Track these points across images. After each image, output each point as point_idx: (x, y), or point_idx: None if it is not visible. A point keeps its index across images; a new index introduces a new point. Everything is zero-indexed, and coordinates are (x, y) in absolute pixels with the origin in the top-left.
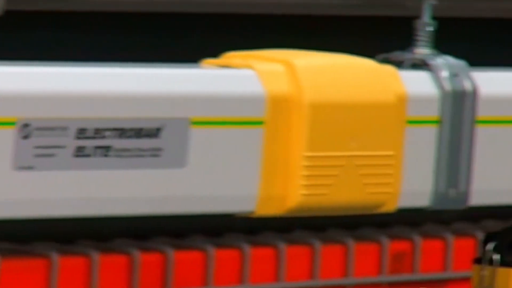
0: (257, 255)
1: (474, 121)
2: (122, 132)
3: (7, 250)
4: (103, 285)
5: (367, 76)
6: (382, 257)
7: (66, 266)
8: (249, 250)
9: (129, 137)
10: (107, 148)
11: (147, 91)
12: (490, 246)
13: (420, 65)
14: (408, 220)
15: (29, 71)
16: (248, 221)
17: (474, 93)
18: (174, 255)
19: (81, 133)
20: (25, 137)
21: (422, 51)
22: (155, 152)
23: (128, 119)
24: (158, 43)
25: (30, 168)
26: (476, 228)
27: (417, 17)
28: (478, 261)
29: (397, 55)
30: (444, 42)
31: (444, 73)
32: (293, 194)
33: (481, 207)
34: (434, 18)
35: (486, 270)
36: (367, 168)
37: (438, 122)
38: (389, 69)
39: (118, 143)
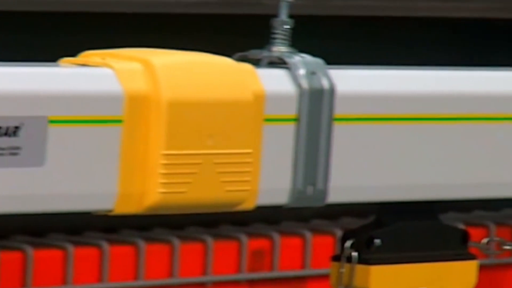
0: (116, 253)
1: (331, 119)
2: None
3: None
4: None
5: (224, 74)
6: (241, 255)
7: None
8: (108, 248)
9: None
10: None
11: (5, 89)
12: (348, 243)
13: (278, 63)
14: (267, 218)
15: None
16: (107, 219)
17: (331, 91)
18: (33, 253)
19: None
20: None
21: (279, 49)
22: (13, 151)
23: None
24: (16, 42)
25: None
26: (334, 226)
27: (274, 15)
28: (336, 258)
29: (254, 53)
30: (301, 40)
31: (302, 71)
32: (151, 192)
33: (339, 204)
34: (291, 16)
35: (345, 268)
36: (225, 166)
37: (295, 120)
38: (246, 67)
39: None
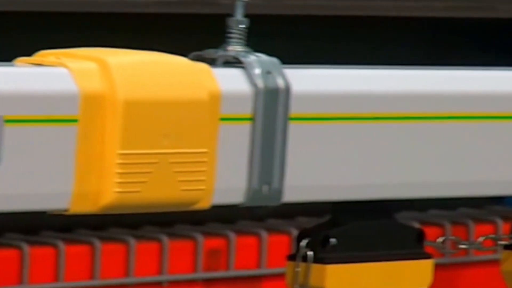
0: (72, 253)
1: (287, 118)
2: None
3: None
4: None
5: (180, 74)
6: (197, 254)
7: None
8: (63, 247)
9: None
10: None
11: None
12: (304, 242)
13: (233, 62)
14: (222, 217)
15: None
16: (63, 219)
17: (287, 91)
18: None
19: None
20: None
21: (235, 48)
22: None
23: None
24: None
25: None
26: (290, 225)
27: (229, 14)
28: (292, 257)
29: (210, 52)
30: (257, 40)
31: (257, 71)
32: (107, 191)
33: (295, 203)
34: (247, 15)
35: (300, 267)
36: (181, 165)
37: (251, 119)
38: (202, 66)
39: None
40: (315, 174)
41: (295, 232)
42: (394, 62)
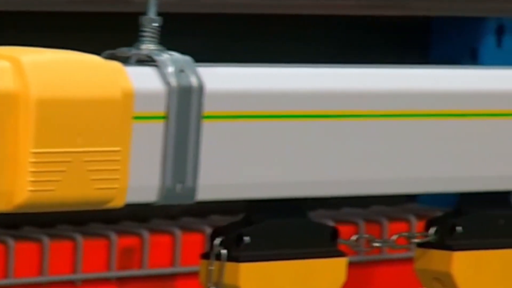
0: None
1: (200, 117)
2: None
3: None
4: None
5: (93, 72)
6: (111, 253)
7: None
8: None
9: None
10: None
11: None
12: (218, 241)
13: (146, 61)
14: (136, 216)
15: None
16: None
17: (200, 89)
18: None
19: None
20: None
21: (148, 47)
22: None
23: None
24: None
25: None
26: (204, 223)
27: (142, 13)
28: (206, 256)
29: (123, 51)
30: (170, 38)
31: (170, 69)
32: (20, 190)
33: (209, 202)
34: (160, 14)
35: (214, 265)
36: (94, 164)
37: (164, 118)
38: (115, 65)
39: None
40: (228, 172)
41: (209, 231)
42: (307, 60)
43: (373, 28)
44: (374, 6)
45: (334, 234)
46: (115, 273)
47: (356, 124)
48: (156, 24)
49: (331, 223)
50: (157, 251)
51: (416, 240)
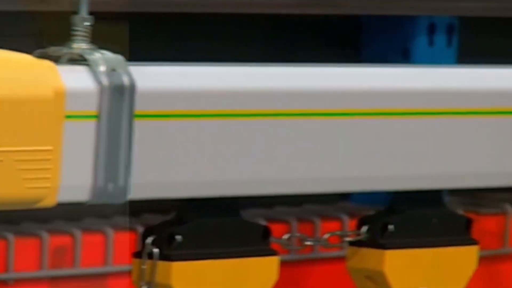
0: None
1: (132, 116)
2: None
3: None
4: None
5: (24, 71)
6: (43, 252)
7: None
8: None
9: None
10: None
11: None
12: (149, 240)
13: (78, 60)
14: (68, 215)
15: None
16: None
17: (132, 88)
18: None
19: None
20: None
21: (80, 46)
22: None
23: None
24: None
25: None
26: (136, 222)
27: (74, 12)
28: (138, 255)
29: (54, 50)
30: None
31: (102, 68)
32: None
33: (141, 201)
34: (91, 13)
35: (146, 264)
36: (25, 163)
37: (96, 117)
38: (46, 64)
39: None
40: (160, 171)
41: (141, 230)
42: (234, 59)
43: (302, 27)
44: (304, 5)
45: (266, 232)
46: (47, 272)
47: (287, 122)
48: (88, 23)
49: (263, 222)
50: (89, 250)
51: (349, 239)
